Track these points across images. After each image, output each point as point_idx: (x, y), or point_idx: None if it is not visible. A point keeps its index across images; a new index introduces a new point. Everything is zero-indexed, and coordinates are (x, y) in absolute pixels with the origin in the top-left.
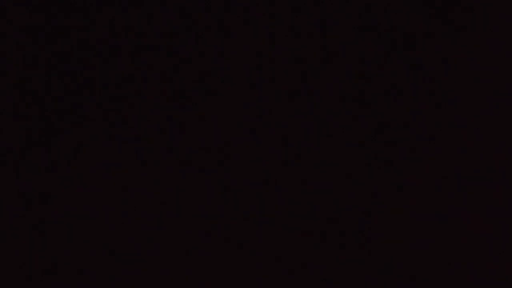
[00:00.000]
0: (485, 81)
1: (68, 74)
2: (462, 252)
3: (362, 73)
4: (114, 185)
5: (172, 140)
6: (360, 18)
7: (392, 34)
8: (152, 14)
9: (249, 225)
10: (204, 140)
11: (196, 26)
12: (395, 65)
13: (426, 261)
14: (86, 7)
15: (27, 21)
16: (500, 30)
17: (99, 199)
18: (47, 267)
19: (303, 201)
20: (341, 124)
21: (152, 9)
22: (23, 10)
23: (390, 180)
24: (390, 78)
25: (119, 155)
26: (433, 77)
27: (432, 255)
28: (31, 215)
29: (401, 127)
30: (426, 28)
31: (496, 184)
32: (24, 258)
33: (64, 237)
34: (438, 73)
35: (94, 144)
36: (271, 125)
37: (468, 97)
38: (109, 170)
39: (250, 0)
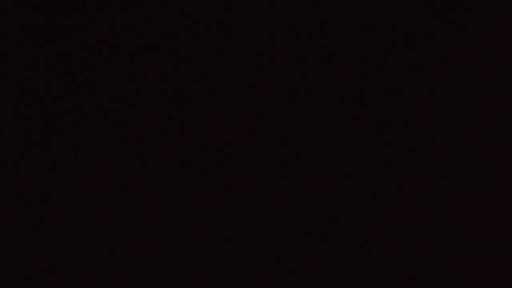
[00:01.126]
0: (485, 81)
1: (68, 74)
2: (462, 252)
3: (362, 73)
4: (114, 185)
5: (172, 140)
6: (360, 18)
7: (392, 34)
8: (152, 14)
9: (249, 225)
10: (204, 140)
11: (196, 26)
12: (395, 65)
13: (426, 261)
14: (86, 7)
15: (27, 21)
16: (500, 30)
17: (99, 199)
18: (47, 267)
19: (303, 201)
20: (341, 124)
21: (152, 9)
22: (23, 10)
23: (390, 180)
24: (390, 78)
25: (119, 155)
26: (433, 77)
27: (432, 255)
28: (31, 215)
29: (401, 127)
30: (426, 28)
31: (496, 184)
32: (24, 258)
33: (64, 237)
34: (438, 73)
35: (94, 144)
36: (271, 125)
37: (468, 97)
38: (109, 170)
39: (250, 0)
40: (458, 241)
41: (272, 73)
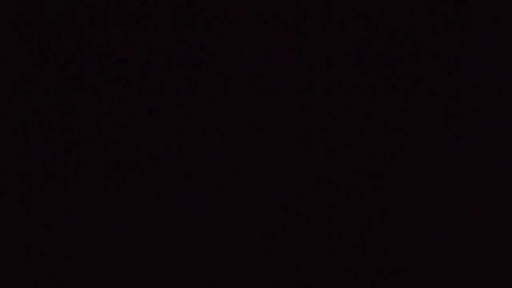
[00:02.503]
0: (486, 81)
1: (69, 73)
2: (462, 252)
3: (362, 73)
4: (114, 186)
5: (171, 140)
6: (360, 18)
7: (392, 34)
8: (152, 14)
9: (249, 225)
10: (204, 140)
11: (196, 25)
12: (395, 65)
13: (427, 261)
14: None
15: (24, 22)
16: (500, 30)
17: (98, 199)
18: (46, 267)
19: (303, 201)
20: (341, 123)
21: (152, 9)
22: (22, 10)
23: (390, 180)
24: (390, 78)
25: (119, 155)
26: (433, 77)
27: (432, 255)
28: (32, 214)
29: (401, 127)
30: (426, 28)
31: (496, 184)
32: (24, 258)
33: (64, 237)
34: (438, 72)
35: (93, 144)
36: (272, 126)
37: (469, 97)
38: (109, 170)
39: (251, 0)
40: (458, 241)
41: (272, 73)
